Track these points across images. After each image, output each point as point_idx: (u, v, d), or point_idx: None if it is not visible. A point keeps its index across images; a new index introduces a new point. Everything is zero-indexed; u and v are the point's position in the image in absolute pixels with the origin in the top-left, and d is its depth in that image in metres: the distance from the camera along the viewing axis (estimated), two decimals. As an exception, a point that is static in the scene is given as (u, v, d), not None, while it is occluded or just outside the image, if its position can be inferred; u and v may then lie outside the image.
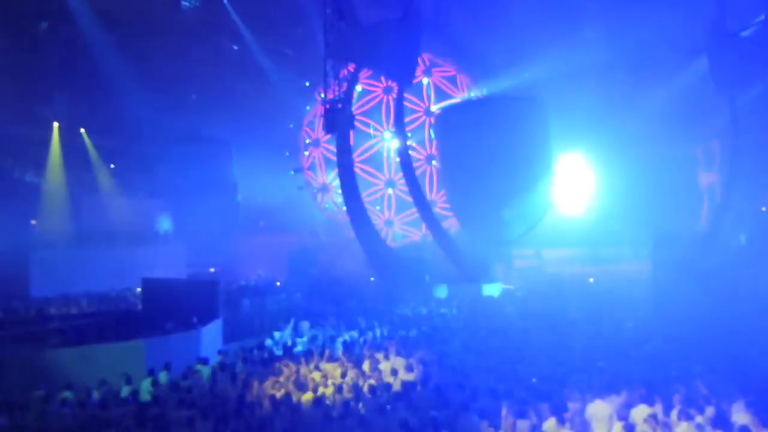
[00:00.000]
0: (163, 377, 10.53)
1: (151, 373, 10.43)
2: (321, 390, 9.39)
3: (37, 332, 12.90)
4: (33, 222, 26.22)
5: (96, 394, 9.48)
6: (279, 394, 9.22)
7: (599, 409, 8.21)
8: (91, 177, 27.97)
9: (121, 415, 8.40)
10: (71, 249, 24.75)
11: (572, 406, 8.30)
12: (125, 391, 9.72)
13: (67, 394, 9.36)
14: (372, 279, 22.57)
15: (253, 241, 29.17)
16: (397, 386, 9.29)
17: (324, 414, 8.06)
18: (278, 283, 23.82)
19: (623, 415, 7.99)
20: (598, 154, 26.29)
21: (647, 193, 24.53)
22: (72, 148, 27.10)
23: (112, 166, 28.98)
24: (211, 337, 13.30)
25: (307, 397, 9.11)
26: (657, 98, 22.61)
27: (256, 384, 9.86)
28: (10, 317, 17.22)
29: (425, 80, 27.33)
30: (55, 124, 26.64)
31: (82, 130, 27.57)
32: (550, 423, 7.56)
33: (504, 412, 7.93)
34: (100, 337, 11.98)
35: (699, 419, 7.67)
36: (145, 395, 9.68)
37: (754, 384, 8.86)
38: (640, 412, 7.86)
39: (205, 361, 11.39)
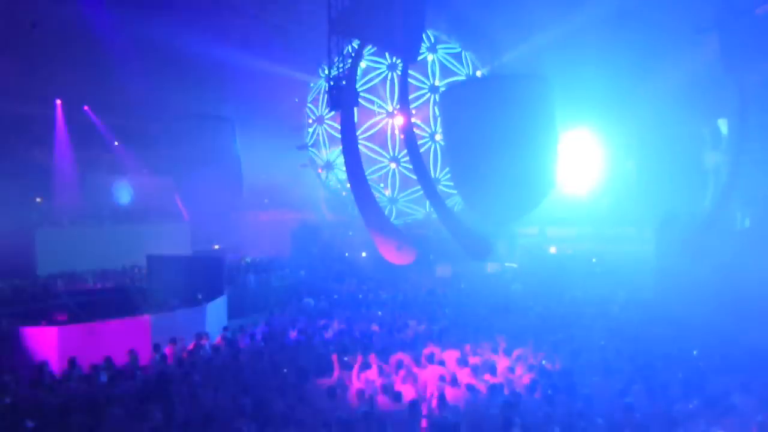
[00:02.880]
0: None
1: (157, 348, 10.56)
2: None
3: (44, 309, 13.02)
4: (38, 200, 26.30)
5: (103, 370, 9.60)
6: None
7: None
8: (95, 154, 27.94)
9: (127, 390, 8.53)
10: (76, 226, 24.88)
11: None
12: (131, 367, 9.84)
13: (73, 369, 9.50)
14: (364, 254, 22.69)
15: (257, 218, 29.24)
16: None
17: (328, 392, 8.15)
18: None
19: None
20: (604, 131, 26.14)
21: (652, 173, 24.41)
22: (75, 125, 27.04)
23: (115, 143, 28.94)
24: (216, 314, 13.42)
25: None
26: (665, 76, 22.35)
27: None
28: (18, 294, 17.39)
29: (430, 57, 27.08)
30: (58, 102, 26.57)
31: (86, 108, 27.48)
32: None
33: None
34: (106, 314, 12.08)
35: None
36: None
37: (752, 365, 8.93)
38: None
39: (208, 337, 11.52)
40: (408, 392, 8.15)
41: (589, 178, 27.06)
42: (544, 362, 9.69)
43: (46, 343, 10.77)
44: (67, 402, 8.03)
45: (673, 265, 15.08)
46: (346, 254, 25.55)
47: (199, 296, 13.46)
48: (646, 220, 22.04)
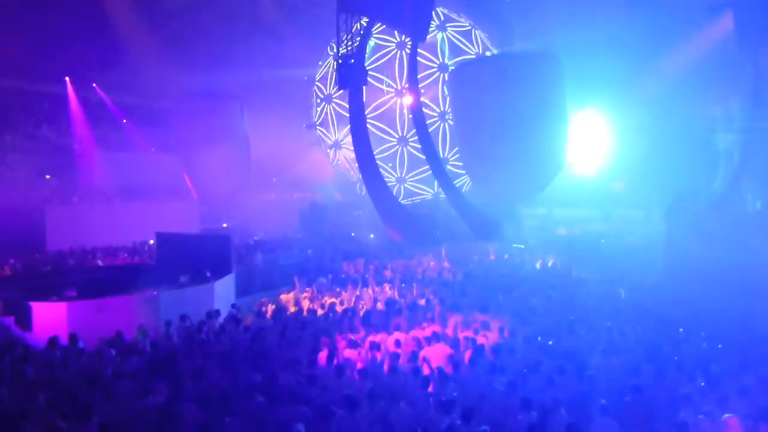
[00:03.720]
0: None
1: (167, 324, 10.64)
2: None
3: (53, 284, 13.12)
4: (47, 176, 26.41)
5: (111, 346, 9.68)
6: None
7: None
8: (104, 132, 27.97)
9: (137, 365, 8.62)
10: (85, 203, 25.01)
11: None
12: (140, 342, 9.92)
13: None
14: (372, 236, 22.70)
15: (265, 197, 29.27)
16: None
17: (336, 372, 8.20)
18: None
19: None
20: (615, 111, 25.86)
21: (663, 154, 24.18)
22: (84, 102, 27.04)
23: (124, 121, 28.94)
24: (224, 291, 13.50)
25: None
26: (677, 55, 22.03)
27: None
28: (28, 270, 17.55)
29: (439, 35, 26.79)
30: (67, 79, 26.54)
31: (94, 85, 27.44)
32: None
33: None
34: (116, 290, 12.17)
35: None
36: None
37: (760, 347, 8.90)
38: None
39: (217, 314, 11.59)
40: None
41: (598, 159, 26.86)
42: (550, 342, 9.71)
43: (55, 318, 10.88)
44: (76, 376, 8.13)
45: (682, 247, 14.99)
46: (353, 234, 25.63)
47: (208, 274, 13.53)
48: (656, 201, 21.90)
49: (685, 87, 21.86)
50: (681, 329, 10.27)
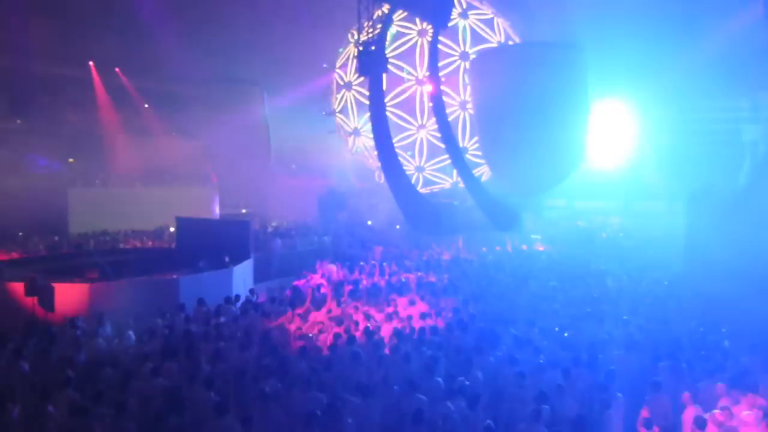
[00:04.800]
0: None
1: (182, 308, 10.78)
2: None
3: (76, 267, 13.35)
4: (70, 160, 26.77)
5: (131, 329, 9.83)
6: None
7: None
8: (126, 116, 28.24)
9: (155, 348, 8.75)
10: (107, 187, 25.35)
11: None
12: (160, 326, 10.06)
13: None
14: (398, 227, 22.67)
15: (285, 183, 29.37)
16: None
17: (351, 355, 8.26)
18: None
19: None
20: (638, 102, 25.44)
21: (686, 145, 23.81)
22: (108, 87, 27.29)
23: (146, 105, 29.16)
24: (242, 276, 13.62)
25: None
26: (703, 44, 21.58)
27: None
28: (51, 252, 17.86)
29: (461, 23, 26.54)
30: (91, 64, 26.79)
31: (117, 70, 27.68)
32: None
33: None
34: (137, 273, 12.34)
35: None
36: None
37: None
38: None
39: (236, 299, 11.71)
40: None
41: (620, 150, 26.49)
42: (566, 334, 9.66)
43: (77, 299, 11.08)
44: (98, 357, 8.30)
45: (703, 240, 14.77)
46: (369, 222, 25.62)
47: (227, 259, 13.66)
48: (677, 194, 21.56)
49: (710, 77, 21.44)
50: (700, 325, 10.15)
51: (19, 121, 24.82)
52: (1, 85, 24.08)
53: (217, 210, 27.39)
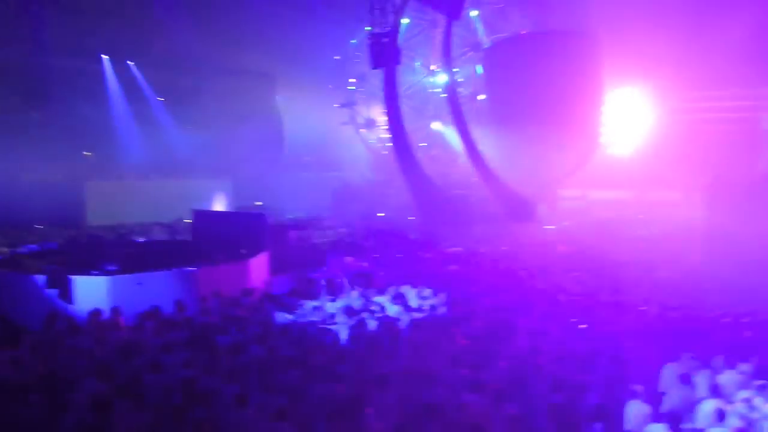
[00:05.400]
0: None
1: (202, 300, 10.84)
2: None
3: (95, 259, 13.45)
4: (86, 153, 26.96)
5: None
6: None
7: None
8: (141, 109, 28.36)
9: (174, 340, 8.82)
10: (124, 180, 25.54)
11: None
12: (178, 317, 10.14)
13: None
14: (411, 218, 22.65)
15: (298, 176, 29.43)
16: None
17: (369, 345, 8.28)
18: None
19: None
20: (656, 89, 25.05)
21: (704, 133, 23.49)
22: (121, 80, 27.43)
23: (160, 98, 29.28)
24: (258, 269, 13.67)
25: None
26: (723, 29, 21.20)
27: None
28: (69, 245, 18.03)
29: (474, 13, 26.34)
30: (105, 57, 26.91)
31: (130, 63, 27.79)
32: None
33: None
34: (154, 265, 12.42)
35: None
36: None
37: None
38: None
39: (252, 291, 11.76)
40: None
41: (636, 138, 26.13)
42: (581, 326, 9.60)
43: (96, 292, 11.18)
44: (118, 349, 8.37)
45: (722, 229, 14.62)
46: (382, 214, 25.54)
47: (243, 251, 13.71)
48: (694, 183, 21.30)
49: (730, 63, 21.09)
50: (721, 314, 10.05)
51: (35, 114, 25.02)
52: (19, 78, 24.28)
53: (231, 203, 27.45)
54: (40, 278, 11.28)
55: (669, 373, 7.56)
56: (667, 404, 7.04)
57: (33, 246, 17.97)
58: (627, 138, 26.23)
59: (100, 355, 8.06)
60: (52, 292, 11.16)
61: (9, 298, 11.87)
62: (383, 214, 25.77)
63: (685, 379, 7.36)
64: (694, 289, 11.99)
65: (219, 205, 26.10)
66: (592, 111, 22.38)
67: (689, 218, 18.97)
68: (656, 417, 6.66)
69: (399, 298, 11.02)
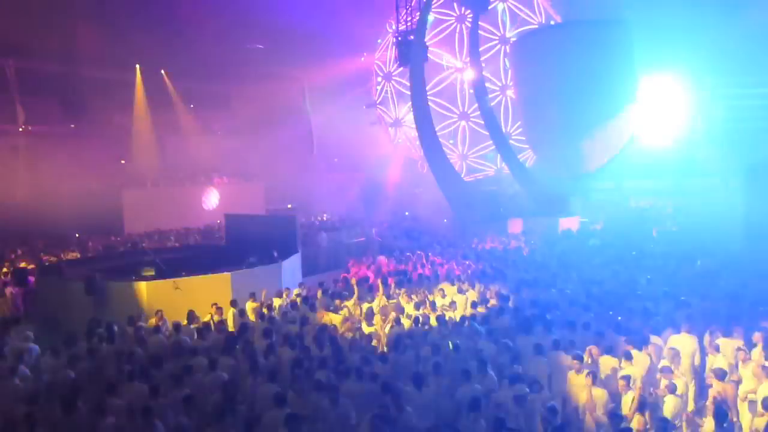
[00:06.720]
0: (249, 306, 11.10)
1: (234, 303, 10.99)
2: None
3: (132, 265, 13.77)
4: (122, 161, 27.60)
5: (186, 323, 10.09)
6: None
7: (683, 343, 8.04)
8: (173, 117, 28.90)
9: (211, 343, 8.97)
10: (159, 186, 26.06)
11: (654, 339, 8.15)
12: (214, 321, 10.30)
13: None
14: (445, 221, 22.54)
15: (328, 177, 29.65)
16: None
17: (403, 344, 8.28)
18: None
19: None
20: (691, 75, 24.38)
21: (741, 118, 22.81)
22: (154, 89, 27.97)
23: (191, 106, 29.79)
24: (291, 270, 13.80)
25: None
26: (759, 14, 20.53)
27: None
28: (108, 251, 18.50)
29: (500, 6, 26.12)
30: (137, 67, 27.49)
31: (163, 72, 28.33)
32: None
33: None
34: (189, 270, 12.64)
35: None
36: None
37: None
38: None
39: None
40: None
41: (671, 126, 25.47)
42: (619, 318, 9.44)
43: (135, 297, 11.45)
44: (157, 351, 8.55)
45: (762, 216, 14.19)
46: (406, 213, 25.52)
47: (275, 254, 13.85)
48: (733, 169, 20.69)
49: (765, 48, 20.45)
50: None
51: (72, 126, 25.69)
52: (56, 90, 24.96)
53: (263, 206, 27.75)
54: (80, 285, 11.58)
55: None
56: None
57: (74, 253, 18.50)
58: (662, 125, 25.58)
59: (141, 359, 8.25)
60: (91, 298, 11.45)
61: (53, 304, 12.27)
62: (407, 213, 25.76)
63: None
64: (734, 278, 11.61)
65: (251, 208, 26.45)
66: (624, 101, 21.91)
67: (729, 205, 18.43)
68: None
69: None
